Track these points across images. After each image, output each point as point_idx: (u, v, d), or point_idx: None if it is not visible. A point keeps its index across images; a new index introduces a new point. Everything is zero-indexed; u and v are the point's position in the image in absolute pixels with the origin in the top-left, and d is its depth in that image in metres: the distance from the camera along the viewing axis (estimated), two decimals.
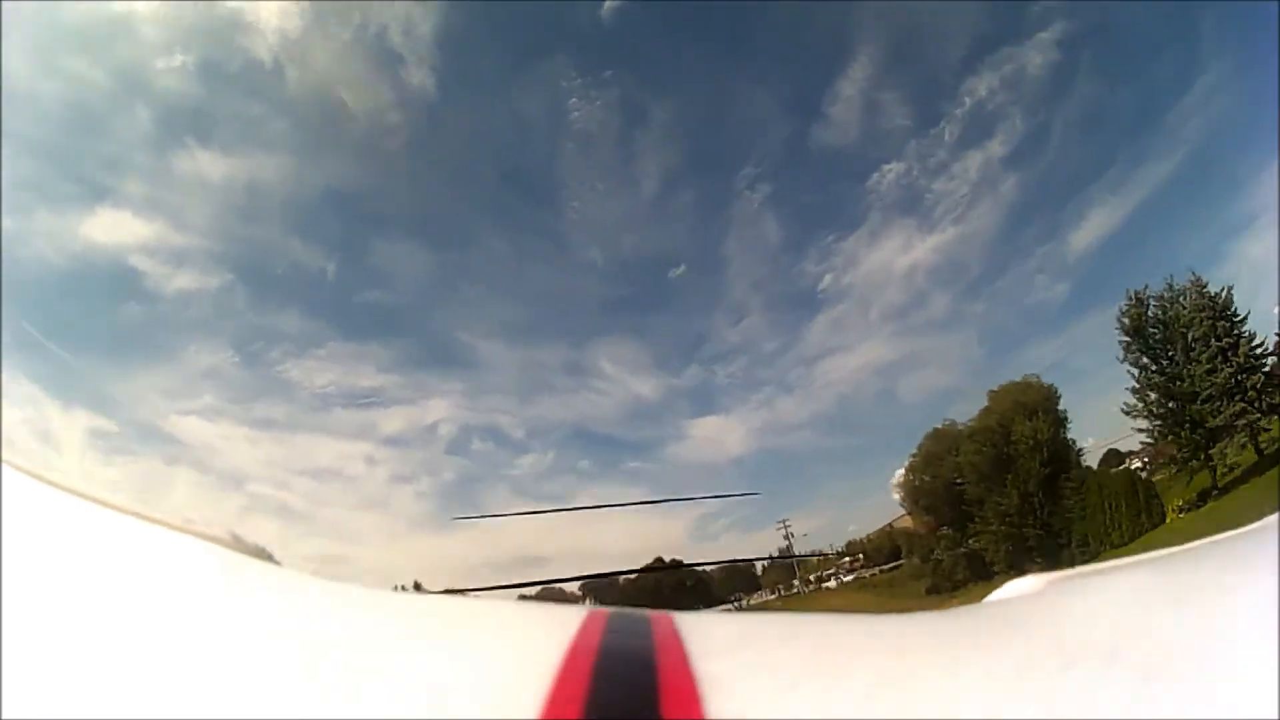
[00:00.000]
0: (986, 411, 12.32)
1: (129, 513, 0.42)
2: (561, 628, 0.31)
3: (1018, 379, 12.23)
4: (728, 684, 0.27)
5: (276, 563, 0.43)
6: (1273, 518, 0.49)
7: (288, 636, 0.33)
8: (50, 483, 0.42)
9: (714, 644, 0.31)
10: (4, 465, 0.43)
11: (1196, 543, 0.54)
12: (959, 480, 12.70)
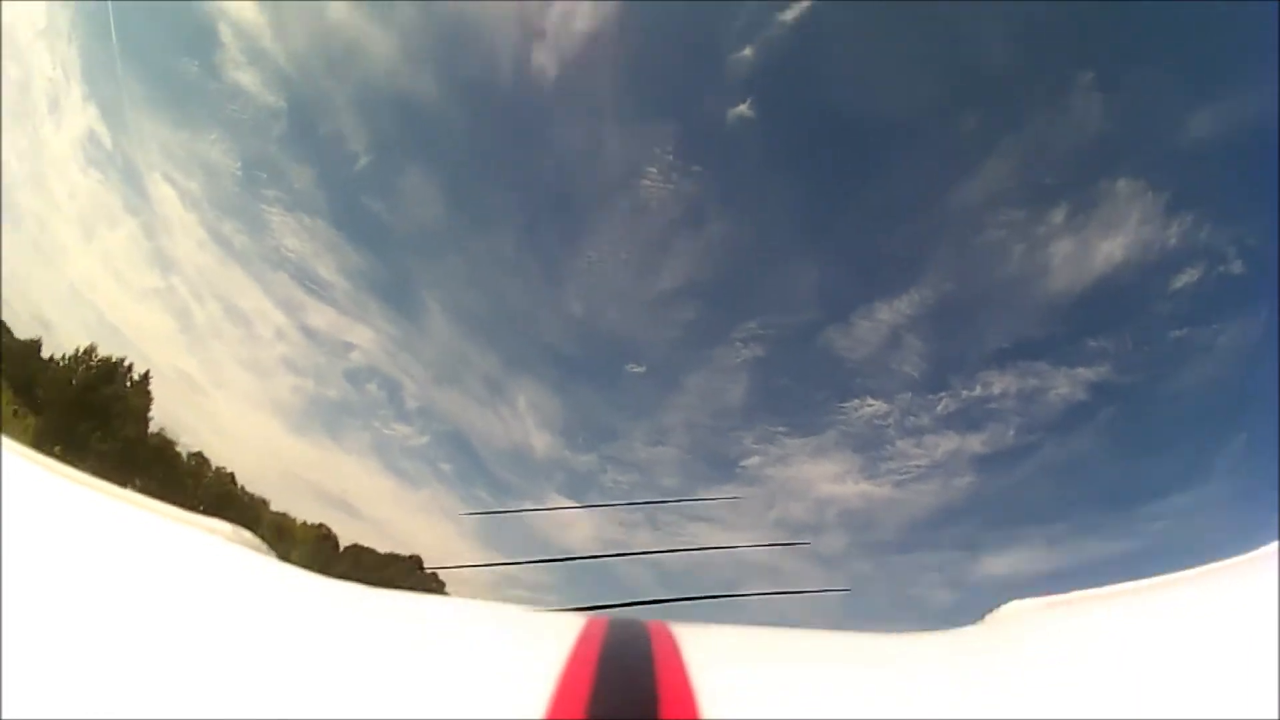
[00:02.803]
0: None
1: (131, 503, 0.42)
2: (562, 633, 0.32)
3: None
4: (726, 691, 0.27)
5: (277, 559, 0.42)
6: (1270, 546, 0.49)
7: (291, 634, 0.33)
8: (54, 471, 0.43)
9: (712, 653, 0.31)
10: (5, 453, 0.44)
11: (1194, 570, 0.53)
12: None
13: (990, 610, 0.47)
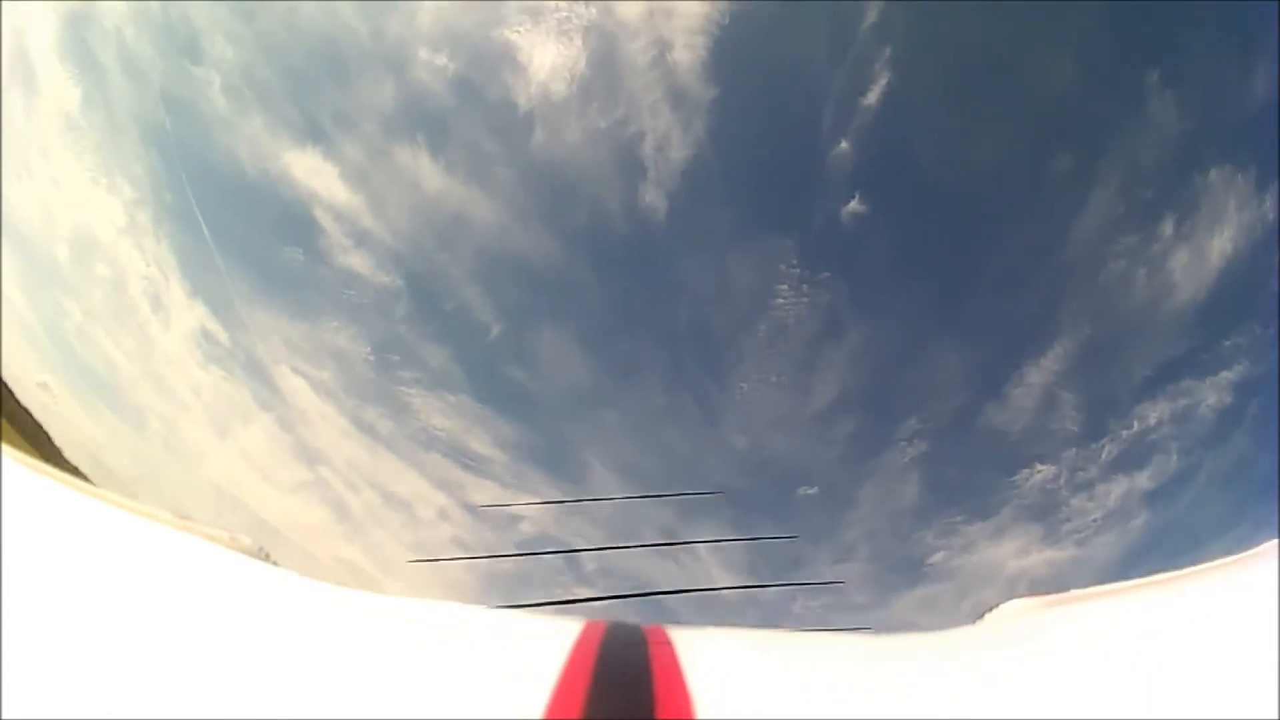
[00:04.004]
0: None
1: (129, 509, 0.43)
2: (560, 637, 0.32)
3: None
4: (723, 693, 0.27)
5: (274, 564, 0.43)
6: (1270, 544, 0.48)
7: (289, 638, 0.33)
8: (53, 478, 0.44)
9: (708, 656, 0.31)
10: (5, 459, 0.45)
11: (1192, 568, 0.52)
12: None
13: (990, 609, 0.46)
